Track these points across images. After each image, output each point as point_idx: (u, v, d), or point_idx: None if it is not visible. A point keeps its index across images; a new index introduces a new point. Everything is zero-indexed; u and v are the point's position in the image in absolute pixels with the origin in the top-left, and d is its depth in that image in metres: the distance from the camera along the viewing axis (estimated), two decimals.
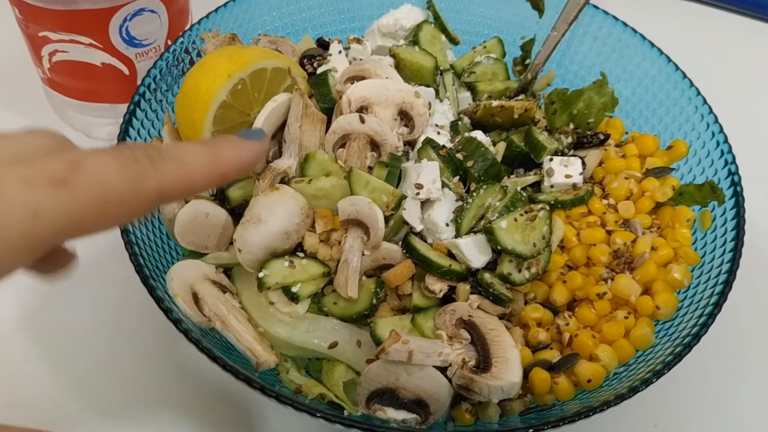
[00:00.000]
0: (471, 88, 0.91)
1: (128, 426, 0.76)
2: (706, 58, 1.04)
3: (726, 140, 0.78)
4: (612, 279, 0.73)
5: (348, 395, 0.69)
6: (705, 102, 0.82)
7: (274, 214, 0.70)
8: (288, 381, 0.70)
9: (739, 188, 0.75)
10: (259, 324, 0.71)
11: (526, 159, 0.81)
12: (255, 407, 0.78)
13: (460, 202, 0.75)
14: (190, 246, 0.73)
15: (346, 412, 0.66)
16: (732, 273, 0.68)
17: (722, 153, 0.78)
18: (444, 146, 0.77)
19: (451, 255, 0.73)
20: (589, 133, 0.84)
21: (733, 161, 0.77)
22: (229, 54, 0.75)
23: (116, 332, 0.82)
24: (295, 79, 0.78)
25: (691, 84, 0.84)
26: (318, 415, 0.58)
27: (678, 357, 0.63)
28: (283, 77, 0.77)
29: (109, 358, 0.81)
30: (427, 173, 0.73)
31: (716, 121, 0.80)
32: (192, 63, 0.84)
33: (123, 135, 0.75)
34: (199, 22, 0.86)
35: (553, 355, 0.70)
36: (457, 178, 0.77)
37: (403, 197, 0.72)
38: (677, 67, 0.85)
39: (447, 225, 0.74)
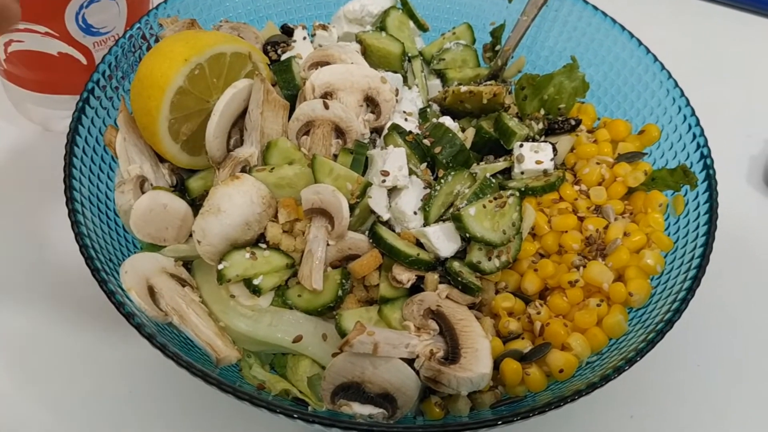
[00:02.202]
0: (441, 75, 0.89)
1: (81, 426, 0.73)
2: (678, 43, 1.03)
3: (698, 123, 0.77)
4: (584, 266, 0.71)
5: (313, 390, 0.67)
6: (677, 85, 0.81)
7: (234, 203, 0.68)
8: (250, 377, 0.67)
9: (711, 171, 0.73)
10: (220, 318, 0.68)
11: (496, 145, 0.79)
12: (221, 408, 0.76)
13: (428, 190, 0.73)
14: (147, 238, 0.71)
15: (309, 408, 0.64)
16: (705, 257, 0.67)
17: (694, 136, 0.77)
18: (411, 132, 0.75)
19: (419, 244, 0.70)
20: (560, 118, 0.83)
21: (706, 144, 0.75)
22: (186, 38, 0.72)
23: (72, 329, 0.79)
24: (256, 65, 0.75)
25: (663, 67, 0.82)
26: (277, 411, 0.55)
27: (651, 344, 0.61)
28: (244, 63, 0.75)
29: (63, 357, 0.77)
30: (393, 160, 0.71)
31: (688, 104, 0.79)
32: (150, 50, 0.81)
33: (75, 124, 0.72)
34: (156, 8, 0.83)
35: (524, 345, 0.68)
36: (425, 164, 0.74)
37: (368, 184, 0.70)
38: (648, 51, 0.84)
39: (415, 213, 0.72)
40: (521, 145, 0.77)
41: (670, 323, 0.62)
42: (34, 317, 0.80)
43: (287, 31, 0.88)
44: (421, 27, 0.94)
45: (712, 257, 0.68)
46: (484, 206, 0.69)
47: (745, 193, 1.00)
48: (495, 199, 0.70)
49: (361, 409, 0.63)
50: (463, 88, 0.81)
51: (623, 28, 0.86)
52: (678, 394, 0.81)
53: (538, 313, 0.69)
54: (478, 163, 0.78)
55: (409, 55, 0.88)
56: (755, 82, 1.14)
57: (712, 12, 1.26)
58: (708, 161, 0.74)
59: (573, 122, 0.82)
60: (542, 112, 0.84)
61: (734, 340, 0.85)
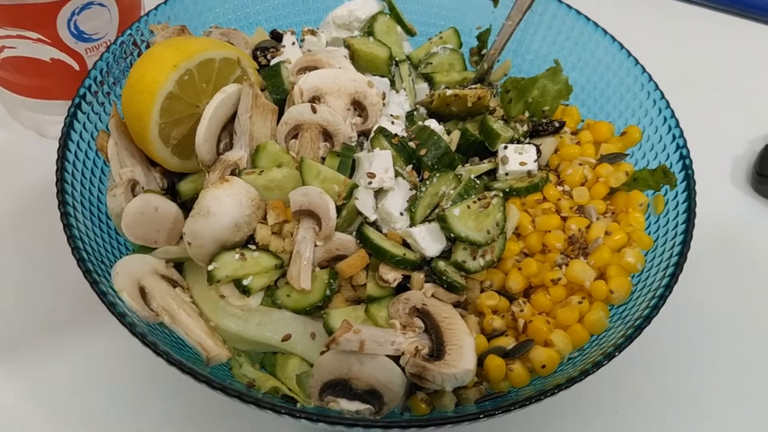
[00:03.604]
0: (428, 79, 0.91)
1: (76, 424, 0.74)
2: (658, 45, 1.05)
3: (678, 125, 0.79)
4: (567, 265, 0.73)
5: (302, 388, 0.68)
6: (657, 88, 0.82)
7: (224, 206, 0.69)
8: (240, 375, 0.68)
9: (690, 171, 0.75)
10: (210, 318, 0.69)
11: (481, 147, 0.81)
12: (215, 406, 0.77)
13: (413, 191, 0.74)
14: (139, 240, 0.72)
15: (298, 405, 0.65)
16: (683, 255, 0.68)
17: (674, 137, 0.78)
18: (396, 135, 0.77)
19: (406, 244, 0.72)
20: (544, 120, 0.84)
21: (685, 145, 0.77)
22: (176, 44, 0.73)
23: (65, 330, 0.80)
24: (245, 70, 0.77)
25: (644, 70, 0.84)
26: (266, 407, 0.56)
27: (629, 339, 0.62)
28: (233, 68, 0.76)
29: (56, 356, 0.79)
30: (379, 162, 0.73)
31: (668, 106, 0.80)
32: (140, 56, 0.83)
33: (68, 129, 0.74)
34: (147, 14, 0.84)
35: (508, 342, 0.69)
36: (411, 166, 0.76)
37: (355, 186, 0.71)
38: (629, 54, 0.85)
39: (401, 214, 0.73)
40: (506, 147, 0.79)
41: (648, 319, 0.64)
42: (28, 319, 0.81)
43: (276, 37, 0.89)
44: (409, 32, 0.95)
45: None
46: (469, 207, 0.70)
47: (728, 193, 1.02)
48: (479, 199, 0.71)
49: (348, 406, 0.64)
50: (449, 92, 0.82)
51: (605, 32, 0.88)
52: (661, 389, 0.82)
53: (522, 310, 0.71)
54: (463, 165, 0.80)
55: (397, 59, 0.89)
56: (737, 84, 1.16)
57: (692, 14, 1.27)
58: (687, 161, 0.76)
59: (557, 124, 0.84)
60: (527, 114, 0.86)
61: (715, 335, 0.87)
